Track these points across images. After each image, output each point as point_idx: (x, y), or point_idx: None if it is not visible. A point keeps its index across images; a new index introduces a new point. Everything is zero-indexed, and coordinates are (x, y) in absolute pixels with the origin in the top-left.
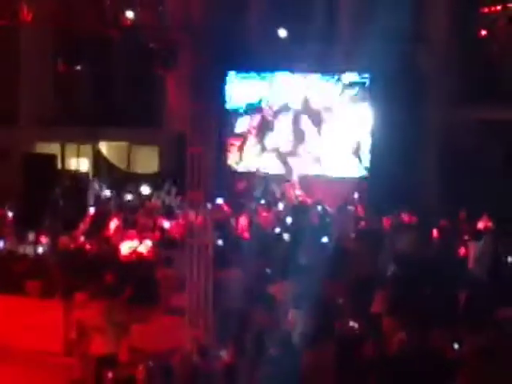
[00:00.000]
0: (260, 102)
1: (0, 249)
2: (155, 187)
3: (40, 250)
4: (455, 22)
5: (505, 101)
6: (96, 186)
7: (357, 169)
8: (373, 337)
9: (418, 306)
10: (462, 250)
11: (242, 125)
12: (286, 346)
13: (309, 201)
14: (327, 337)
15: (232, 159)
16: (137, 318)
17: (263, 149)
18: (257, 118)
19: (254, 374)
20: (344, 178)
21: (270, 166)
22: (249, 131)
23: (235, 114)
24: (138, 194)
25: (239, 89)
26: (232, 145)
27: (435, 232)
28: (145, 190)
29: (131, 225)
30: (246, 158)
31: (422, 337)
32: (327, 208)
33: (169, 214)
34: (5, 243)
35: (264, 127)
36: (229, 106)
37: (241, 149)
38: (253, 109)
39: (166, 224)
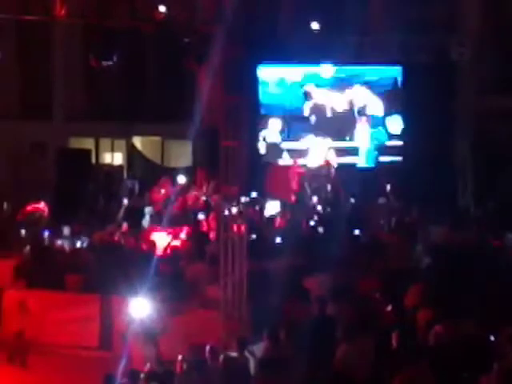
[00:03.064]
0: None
1: (45, 240)
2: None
3: (78, 244)
4: (487, 11)
5: None
6: (129, 183)
7: (389, 160)
8: (407, 329)
9: (453, 298)
10: (497, 241)
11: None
12: (321, 338)
13: (342, 193)
14: (364, 330)
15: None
16: (172, 311)
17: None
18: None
19: (290, 368)
20: (376, 170)
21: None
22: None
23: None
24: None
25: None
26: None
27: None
28: (181, 179)
29: (165, 218)
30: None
31: (458, 328)
32: (359, 200)
33: (204, 207)
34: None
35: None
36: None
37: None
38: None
39: (201, 217)
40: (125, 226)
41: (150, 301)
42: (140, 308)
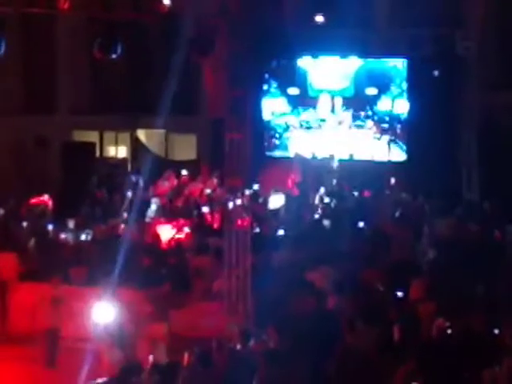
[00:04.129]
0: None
1: (49, 233)
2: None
3: (82, 237)
4: (493, 5)
5: None
6: (133, 177)
7: (394, 153)
8: (410, 322)
9: (457, 292)
10: (502, 236)
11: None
12: (324, 331)
13: (346, 186)
14: (366, 322)
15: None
16: (175, 304)
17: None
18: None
19: (294, 360)
20: (381, 163)
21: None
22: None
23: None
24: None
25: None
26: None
27: (475, 218)
28: (185, 172)
29: (170, 211)
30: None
31: (462, 322)
32: (364, 193)
33: (208, 200)
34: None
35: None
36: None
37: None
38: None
39: (205, 210)
40: (129, 218)
41: (113, 305)
42: (104, 312)
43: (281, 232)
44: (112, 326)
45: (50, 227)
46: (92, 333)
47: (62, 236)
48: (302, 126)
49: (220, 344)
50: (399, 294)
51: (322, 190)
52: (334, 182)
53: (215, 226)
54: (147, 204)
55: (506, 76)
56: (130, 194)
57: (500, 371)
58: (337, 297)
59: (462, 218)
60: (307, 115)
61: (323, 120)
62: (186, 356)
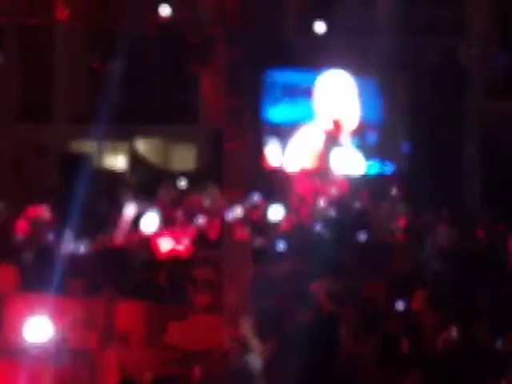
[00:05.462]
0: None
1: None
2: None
3: (80, 248)
4: (495, 13)
5: None
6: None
7: (394, 164)
8: (412, 333)
9: (461, 303)
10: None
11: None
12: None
13: (347, 197)
14: (369, 332)
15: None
16: (174, 316)
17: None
18: None
19: (295, 371)
20: (382, 174)
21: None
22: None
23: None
24: (176, 191)
25: None
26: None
27: (477, 227)
28: (184, 184)
29: (169, 222)
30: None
31: (466, 334)
32: (367, 204)
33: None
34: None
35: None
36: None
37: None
38: None
39: (205, 221)
40: (128, 230)
41: (50, 321)
42: (40, 329)
43: (282, 243)
44: (47, 345)
45: (48, 238)
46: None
47: (60, 247)
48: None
49: (224, 358)
50: (402, 305)
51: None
52: (337, 193)
53: (214, 237)
54: (145, 215)
55: (509, 85)
56: (128, 204)
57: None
58: (334, 308)
59: (465, 228)
60: (307, 126)
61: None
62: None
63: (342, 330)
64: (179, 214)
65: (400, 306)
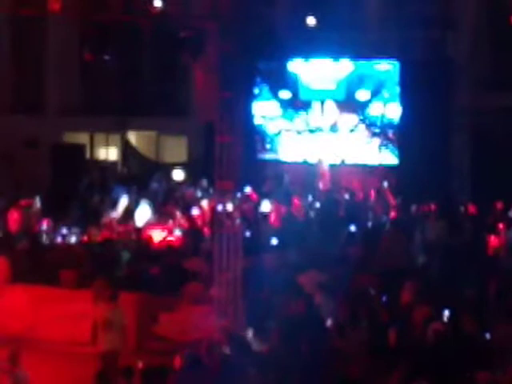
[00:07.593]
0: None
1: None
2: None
3: (72, 239)
4: (484, 8)
5: None
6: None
7: (386, 158)
8: (402, 326)
9: (449, 295)
10: (495, 239)
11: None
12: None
13: (338, 189)
14: (357, 325)
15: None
16: (165, 306)
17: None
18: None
19: (283, 363)
20: (373, 167)
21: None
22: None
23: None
24: (168, 183)
25: None
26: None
27: (465, 220)
28: (177, 175)
29: (161, 214)
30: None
31: (454, 326)
32: (356, 197)
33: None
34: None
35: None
36: None
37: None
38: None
39: (195, 213)
40: (119, 221)
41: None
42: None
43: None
44: None
45: (40, 230)
46: None
47: (52, 238)
48: (293, 129)
49: (211, 348)
50: (391, 297)
51: (313, 194)
52: (326, 185)
53: (206, 229)
54: (138, 206)
55: (497, 78)
56: (120, 196)
57: (503, 376)
58: (323, 298)
59: (454, 223)
60: (299, 119)
61: (317, 129)
62: (176, 360)
63: (330, 321)
64: (171, 205)
65: (389, 298)
